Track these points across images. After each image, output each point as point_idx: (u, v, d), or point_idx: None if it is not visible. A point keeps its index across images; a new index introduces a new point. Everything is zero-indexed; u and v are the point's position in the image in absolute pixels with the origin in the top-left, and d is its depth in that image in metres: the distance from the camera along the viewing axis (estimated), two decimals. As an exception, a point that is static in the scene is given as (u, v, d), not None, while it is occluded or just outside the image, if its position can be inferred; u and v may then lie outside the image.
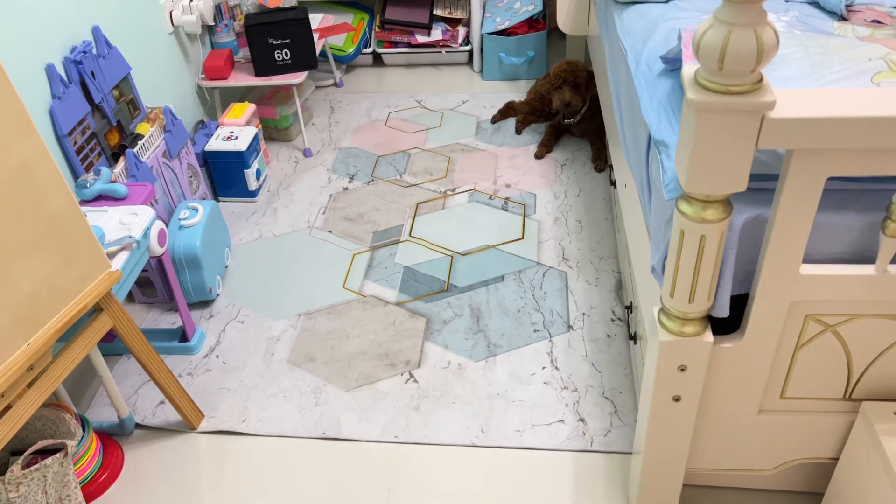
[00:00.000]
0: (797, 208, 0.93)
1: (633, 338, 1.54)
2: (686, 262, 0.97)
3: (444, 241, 2.01)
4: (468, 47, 2.88)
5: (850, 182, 1.01)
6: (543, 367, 1.60)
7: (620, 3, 1.68)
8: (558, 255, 1.93)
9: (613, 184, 2.01)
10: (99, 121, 1.70)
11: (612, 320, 1.72)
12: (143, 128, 1.80)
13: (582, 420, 1.48)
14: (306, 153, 2.41)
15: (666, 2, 1.57)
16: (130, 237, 1.41)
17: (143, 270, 1.75)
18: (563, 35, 2.48)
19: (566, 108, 2.26)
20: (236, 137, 2.12)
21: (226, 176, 2.14)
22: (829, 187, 0.98)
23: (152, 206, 1.67)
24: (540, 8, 2.71)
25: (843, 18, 1.43)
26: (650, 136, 1.25)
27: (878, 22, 1.41)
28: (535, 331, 1.70)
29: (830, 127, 0.84)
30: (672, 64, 1.28)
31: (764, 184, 0.99)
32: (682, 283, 1.00)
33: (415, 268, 1.92)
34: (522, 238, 2.00)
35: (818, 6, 1.49)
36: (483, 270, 1.89)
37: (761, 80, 0.84)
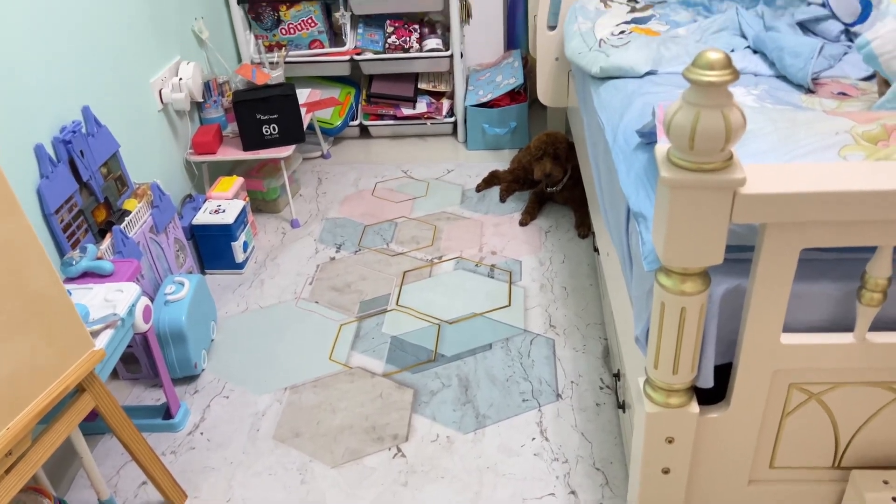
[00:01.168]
0: (774, 280, 0.94)
1: (621, 406, 1.53)
2: (668, 333, 0.98)
3: (431, 309, 2.01)
4: (452, 119, 2.95)
5: (825, 252, 1.03)
6: (533, 438, 1.59)
7: (597, 79, 1.74)
8: (545, 322, 1.93)
9: (597, 250, 2.03)
10: (86, 198, 1.72)
11: (601, 388, 1.71)
12: (130, 204, 1.82)
13: (573, 493, 1.46)
14: (294, 224, 2.43)
15: (640, 77, 1.62)
16: (115, 315, 1.40)
17: (128, 346, 1.73)
18: (543, 106, 2.55)
19: (548, 178, 2.31)
20: (224, 211, 2.14)
21: (213, 249, 2.15)
22: (804, 257, 1.00)
23: (138, 281, 1.67)
24: (521, 81, 2.80)
25: (810, 91, 1.49)
26: (629, 208, 1.28)
27: (844, 94, 1.46)
28: (523, 400, 1.69)
29: (801, 201, 0.86)
30: (647, 137, 1.32)
31: (741, 254, 1.01)
32: (665, 354, 1.01)
33: (402, 337, 1.92)
34: (509, 305, 2.01)
35: (786, 80, 1.54)
36: (470, 339, 1.89)
37: (731, 157, 0.87)
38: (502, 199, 2.53)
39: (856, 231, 0.89)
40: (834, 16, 1.64)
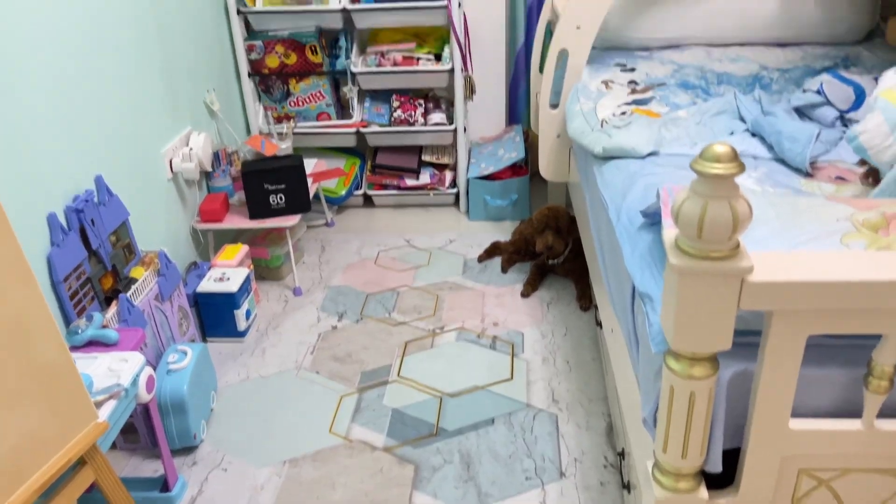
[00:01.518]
0: (781, 366, 0.95)
1: (626, 486, 1.51)
2: (677, 417, 0.98)
3: (432, 381, 2.00)
4: (455, 190, 3.00)
5: (833, 338, 1.04)
6: (536, 518, 1.56)
7: (600, 158, 1.78)
8: (548, 396, 1.92)
9: (599, 324, 2.04)
10: (94, 266, 1.73)
11: (605, 466, 1.69)
12: (137, 272, 1.83)
13: (577, 576, 1.43)
14: (296, 292, 2.44)
15: (642, 158, 1.67)
16: (119, 385, 1.40)
17: (129, 416, 1.72)
18: (544, 180, 2.61)
19: (549, 251, 2.34)
20: (228, 279, 2.15)
21: (215, 316, 2.16)
22: (812, 342, 1.01)
23: (142, 350, 1.66)
24: (522, 155, 2.86)
25: (809, 175, 1.53)
26: (634, 287, 1.29)
27: (842, 178, 1.50)
28: (526, 478, 1.67)
29: (807, 290, 0.88)
30: (652, 218, 1.35)
31: (747, 338, 1.02)
32: (674, 438, 1.00)
33: (403, 410, 1.90)
34: (511, 378, 2.00)
35: (785, 163, 1.59)
36: (473, 413, 1.88)
37: (738, 245, 0.89)
38: (504, 270, 2.55)
39: (861, 319, 0.91)
40: (829, 102, 1.70)
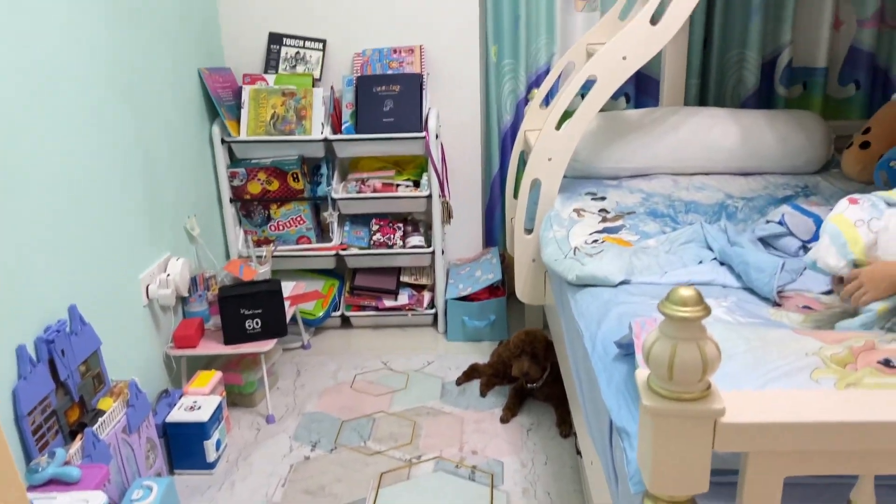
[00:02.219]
0: (760, 508, 0.94)
1: None
2: (659, 564, 0.95)
3: (409, 516, 1.93)
4: (433, 310, 3.01)
5: (811, 477, 1.03)
6: None
7: (573, 285, 1.81)
8: (528, 531, 1.85)
9: (579, 452, 2.00)
10: (61, 398, 1.69)
11: None
12: (105, 403, 1.78)
13: None
14: (269, 419, 2.38)
15: (615, 286, 1.70)
16: (77, 528, 1.33)
17: (85, 559, 1.62)
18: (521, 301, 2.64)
19: (526, 377, 2.32)
20: (199, 407, 2.10)
21: (184, 447, 2.09)
22: (791, 481, 1.00)
23: (105, 487, 1.59)
24: (499, 276, 2.90)
25: (777, 304, 1.56)
26: (611, 421, 1.28)
27: (809, 308, 1.54)
28: None
29: (781, 431, 0.88)
30: (626, 349, 1.36)
31: (725, 478, 1.01)
32: (656, 585, 0.97)
33: (378, 548, 1.82)
34: (490, 512, 1.93)
35: (753, 292, 1.62)
36: (450, 550, 1.80)
37: (710, 386, 0.90)
38: (483, 394, 2.52)
39: (837, 460, 0.91)
40: (791, 233, 1.76)
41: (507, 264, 3.08)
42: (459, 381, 2.60)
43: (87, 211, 1.91)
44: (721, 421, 0.88)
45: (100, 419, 1.72)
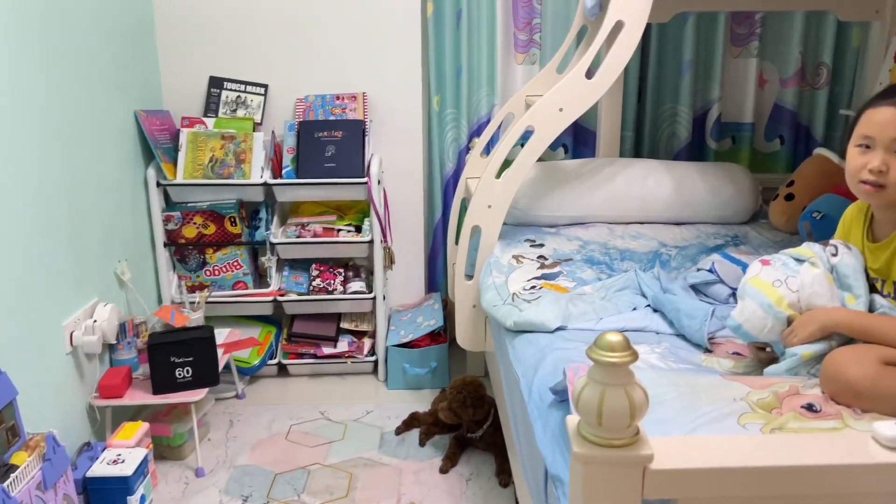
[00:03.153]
0: (692, 555, 0.93)
1: None
2: None
3: (343, 572, 1.86)
4: (374, 357, 2.97)
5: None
6: None
7: (511, 331, 1.81)
8: (466, 585, 1.80)
9: (518, 502, 1.97)
10: (-30, 452, 1.58)
11: None
12: (18, 457, 1.68)
13: None
14: (198, 473, 2.28)
15: (551, 332, 1.71)
16: None
17: None
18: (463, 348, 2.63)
19: (454, 418, 2.30)
20: (123, 461, 2.00)
21: (106, 503, 1.97)
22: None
23: (13, 549, 1.49)
24: (441, 323, 2.89)
25: (708, 350, 1.59)
26: (546, 469, 1.27)
27: (739, 354, 1.57)
28: None
29: (708, 477, 0.89)
30: (561, 395, 1.36)
31: (658, 526, 1.01)
32: None
33: None
34: (428, 566, 1.88)
35: (685, 339, 1.65)
36: None
37: (638, 432, 0.90)
38: (422, 444, 2.47)
39: (763, 505, 0.91)
40: (721, 281, 1.81)
41: (449, 310, 3.07)
42: (399, 431, 2.55)
43: (5, 251, 1.83)
44: (650, 467, 0.88)
45: (11, 475, 1.61)
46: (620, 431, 0.87)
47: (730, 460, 0.89)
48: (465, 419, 2.32)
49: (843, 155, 1.42)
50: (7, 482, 1.58)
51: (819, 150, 2.52)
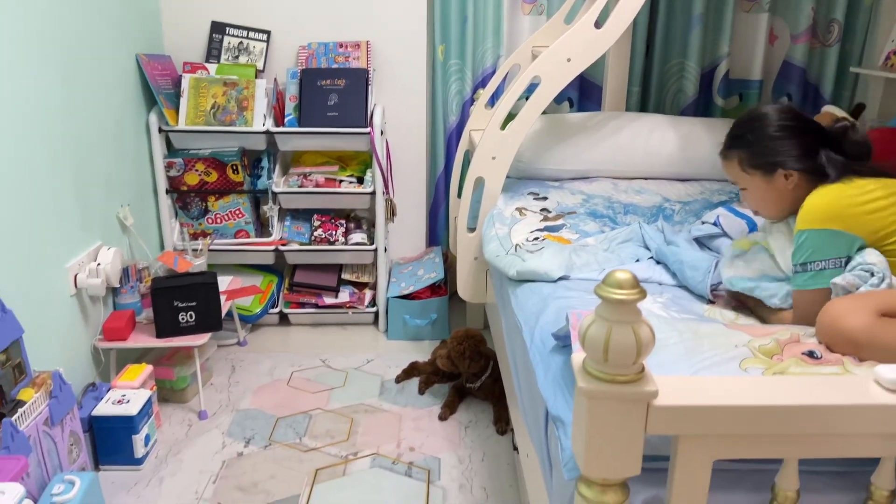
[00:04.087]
0: (690, 490, 0.95)
1: None
2: (590, 548, 0.96)
3: (343, 512, 1.90)
4: (374, 309, 2.98)
5: (740, 462, 1.06)
6: None
7: (514, 281, 1.82)
8: (464, 526, 1.85)
9: (516, 448, 2.01)
10: (-23, 387, 1.60)
11: None
12: (26, 394, 1.70)
13: None
14: (202, 415, 2.31)
15: (554, 282, 1.72)
16: (-11, 522, 1.26)
17: (-2, 557, 1.54)
18: (463, 300, 2.64)
19: (451, 367, 2.33)
20: (128, 401, 2.02)
21: (111, 442, 2.01)
22: (718, 467, 1.02)
23: (23, 480, 1.52)
24: (441, 276, 2.90)
25: (710, 301, 1.61)
26: (547, 411, 1.29)
27: (741, 303, 1.58)
28: None
29: (711, 414, 0.90)
30: (563, 341, 1.37)
31: (656, 464, 1.03)
32: (588, 570, 0.97)
33: (311, 545, 1.78)
34: (426, 508, 1.92)
35: (688, 290, 1.66)
36: (385, 546, 1.78)
37: (643, 370, 0.91)
38: (421, 392, 2.50)
39: (763, 444, 0.93)
40: (725, 234, 1.81)
41: (449, 263, 3.08)
42: (399, 379, 2.59)
43: (11, 192, 1.82)
44: (654, 403, 0.89)
45: (19, 410, 1.64)
46: (626, 368, 0.88)
47: (733, 399, 0.90)
48: (463, 370, 2.35)
49: (853, 113, 1.44)
50: (15, 417, 1.61)
51: (827, 108, 2.49)
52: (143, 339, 2.24)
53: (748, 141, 1.54)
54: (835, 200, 1.39)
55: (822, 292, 1.34)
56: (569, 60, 2.15)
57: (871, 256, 1.34)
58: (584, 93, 3.04)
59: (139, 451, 2.03)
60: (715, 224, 1.86)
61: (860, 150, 1.49)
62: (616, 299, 0.85)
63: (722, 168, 1.63)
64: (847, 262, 1.36)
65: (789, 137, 1.50)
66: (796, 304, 1.43)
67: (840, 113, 2.38)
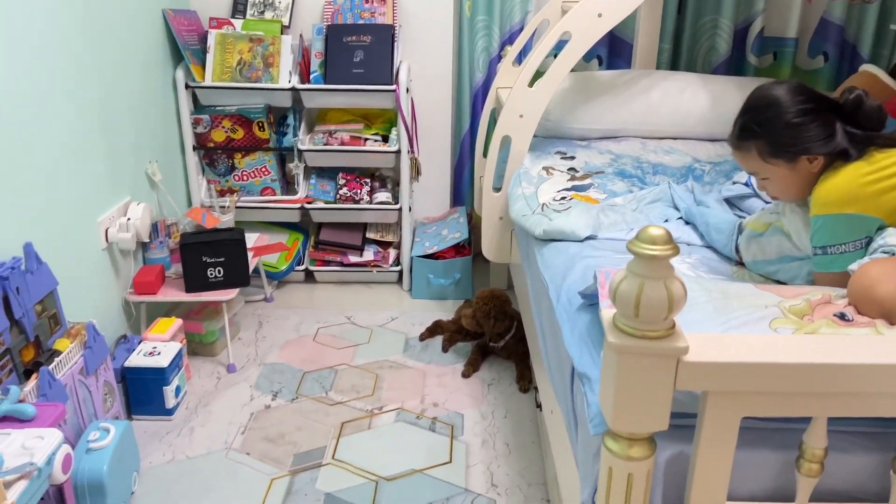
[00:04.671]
0: (717, 447, 0.96)
1: (565, 575, 1.47)
2: (616, 500, 0.97)
3: (368, 464, 1.94)
4: (398, 268, 3.00)
5: (767, 421, 1.06)
6: None
7: (540, 240, 1.82)
8: (487, 480, 1.88)
9: (539, 406, 2.03)
10: (16, 336, 1.64)
11: (543, 554, 1.64)
12: (61, 344, 1.74)
13: None
14: (230, 369, 2.36)
15: (581, 241, 1.71)
16: (32, 464, 1.31)
17: (40, 499, 1.60)
18: (486, 260, 2.64)
19: (477, 327, 2.34)
20: (159, 353, 2.07)
21: (143, 393, 2.06)
22: (745, 425, 1.02)
23: (61, 427, 1.57)
24: (466, 236, 2.90)
25: (739, 263, 1.59)
26: (573, 368, 1.30)
27: (770, 266, 1.56)
28: (463, 567, 1.61)
29: (741, 371, 0.90)
30: (590, 299, 1.37)
31: (682, 421, 1.03)
32: (613, 522, 0.99)
33: (336, 494, 1.83)
34: (450, 462, 1.96)
35: (717, 251, 1.65)
36: (409, 498, 1.82)
37: (674, 326, 0.91)
38: (445, 350, 2.53)
39: (792, 402, 0.93)
40: (756, 194, 1.79)
41: (474, 224, 3.08)
42: (423, 337, 2.61)
43: (42, 148, 1.84)
44: (684, 359, 0.89)
45: (56, 359, 1.68)
46: (657, 324, 0.88)
47: (763, 356, 0.90)
48: (487, 330, 2.36)
49: (892, 73, 1.38)
50: (52, 365, 1.65)
51: (866, 67, 2.42)
52: (173, 294, 2.28)
53: (767, 131, 1.42)
54: (850, 182, 1.33)
55: (844, 274, 1.31)
56: (600, 16, 2.11)
57: (893, 238, 1.29)
58: (613, 50, 2.98)
59: (170, 401, 2.08)
60: (746, 184, 1.83)
61: (877, 119, 1.40)
62: (649, 255, 0.85)
63: (734, 156, 1.52)
64: (868, 244, 1.32)
65: (810, 122, 1.39)
66: (818, 284, 1.38)
67: (882, 75, 2.31)
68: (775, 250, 1.50)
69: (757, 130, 1.44)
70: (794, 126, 1.39)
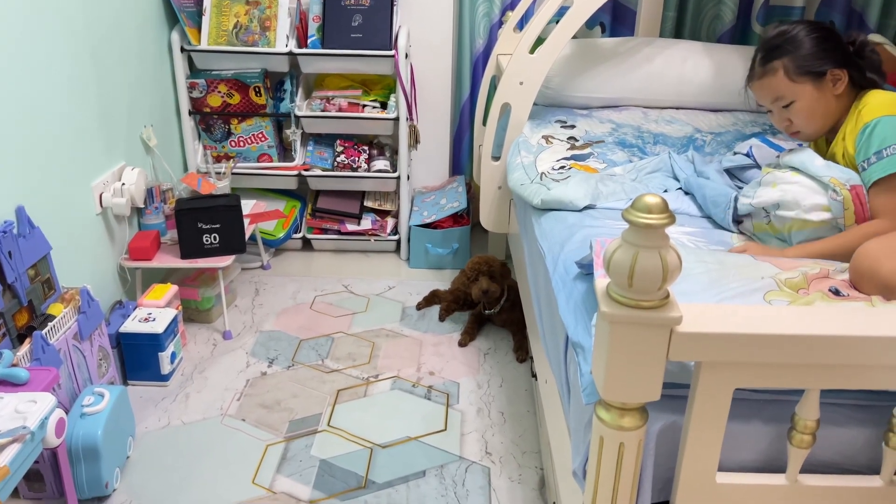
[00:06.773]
0: (709, 417, 0.96)
1: (556, 542, 1.48)
2: (606, 469, 0.97)
3: (364, 431, 1.95)
4: (396, 237, 2.99)
5: (759, 392, 1.05)
6: (464, 575, 1.51)
7: (538, 209, 1.80)
8: (481, 448, 1.89)
9: (535, 375, 2.03)
10: (9, 301, 1.64)
11: (536, 521, 1.66)
12: (55, 308, 1.74)
13: None
14: (226, 336, 2.36)
15: (580, 211, 1.69)
16: (25, 427, 1.31)
17: (34, 462, 1.60)
18: (485, 230, 2.63)
19: (485, 296, 2.33)
20: (154, 319, 2.07)
21: (138, 359, 2.06)
22: (737, 396, 1.02)
23: (55, 391, 1.57)
24: (464, 205, 2.88)
25: (741, 233, 1.58)
26: (567, 337, 1.29)
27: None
28: (455, 533, 1.62)
29: (733, 342, 0.89)
30: (586, 269, 1.36)
31: (674, 391, 1.03)
32: (603, 490, 0.99)
33: (332, 461, 1.84)
34: (445, 429, 1.96)
35: (716, 222, 1.63)
36: (404, 465, 1.83)
37: (668, 296, 0.90)
38: (441, 319, 2.53)
39: (785, 373, 0.92)
40: (757, 165, 1.76)
41: (472, 193, 3.06)
42: (419, 306, 2.61)
43: (34, 110, 1.82)
44: (677, 330, 0.88)
45: (49, 324, 1.68)
46: (651, 294, 0.87)
47: (757, 327, 0.89)
48: (474, 293, 2.34)
49: None
50: (45, 330, 1.65)
51: (872, 37, 2.38)
52: (168, 260, 2.27)
53: (795, 45, 1.51)
54: None
55: None
56: (603, -20, 2.06)
57: None
58: (617, 17, 2.93)
59: (165, 367, 2.08)
60: (747, 154, 1.81)
61: (879, 65, 1.52)
62: (644, 223, 0.84)
63: (756, 90, 1.60)
64: None
65: (829, 38, 1.51)
66: (881, 203, 1.36)
67: (889, 46, 2.28)
68: (780, 186, 1.49)
69: (781, 50, 1.52)
70: (821, 40, 1.50)
